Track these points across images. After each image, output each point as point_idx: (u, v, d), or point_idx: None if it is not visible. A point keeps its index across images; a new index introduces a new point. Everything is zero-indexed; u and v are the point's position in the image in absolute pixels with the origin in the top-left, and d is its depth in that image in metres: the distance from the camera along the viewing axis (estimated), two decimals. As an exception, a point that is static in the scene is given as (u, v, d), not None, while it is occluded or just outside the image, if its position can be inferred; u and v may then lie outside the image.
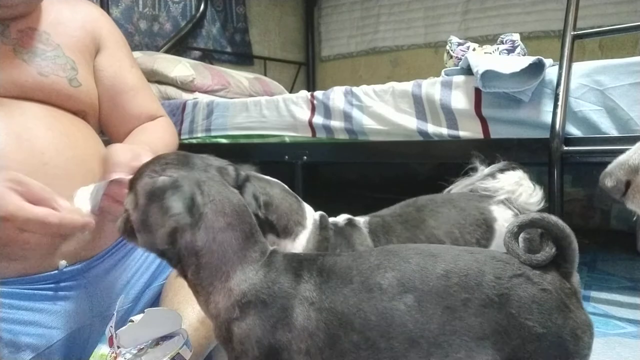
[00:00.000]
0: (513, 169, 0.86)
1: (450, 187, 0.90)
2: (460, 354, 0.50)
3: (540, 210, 0.81)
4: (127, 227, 0.58)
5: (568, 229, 0.51)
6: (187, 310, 0.83)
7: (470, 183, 0.87)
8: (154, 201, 0.54)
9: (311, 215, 0.76)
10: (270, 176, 0.78)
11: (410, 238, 0.77)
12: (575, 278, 0.53)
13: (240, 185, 0.61)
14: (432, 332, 0.50)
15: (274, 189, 0.73)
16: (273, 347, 0.53)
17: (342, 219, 0.80)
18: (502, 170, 0.85)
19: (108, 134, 1.04)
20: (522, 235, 0.54)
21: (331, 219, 0.80)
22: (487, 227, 0.79)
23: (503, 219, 0.80)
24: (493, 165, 0.87)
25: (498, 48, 1.56)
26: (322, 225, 0.74)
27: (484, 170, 0.88)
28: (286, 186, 0.76)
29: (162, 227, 0.53)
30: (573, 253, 0.52)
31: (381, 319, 0.51)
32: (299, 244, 0.72)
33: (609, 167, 0.58)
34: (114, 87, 0.97)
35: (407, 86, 1.43)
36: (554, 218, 0.51)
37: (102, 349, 0.69)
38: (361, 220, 0.80)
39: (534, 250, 0.52)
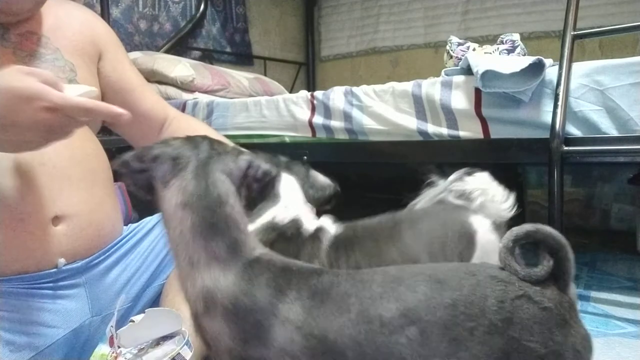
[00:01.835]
0: (479, 171, 0.82)
1: (415, 201, 0.86)
2: None
3: (517, 215, 0.78)
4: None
5: (564, 240, 0.50)
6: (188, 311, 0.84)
7: (437, 193, 0.83)
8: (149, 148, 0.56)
9: (271, 212, 0.70)
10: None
11: (378, 254, 0.73)
12: (572, 289, 0.51)
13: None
14: None
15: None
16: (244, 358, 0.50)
17: (315, 225, 0.74)
18: (468, 174, 0.82)
19: (122, 133, 1.07)
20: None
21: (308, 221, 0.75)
22: (468, 240, 0.74)
23: (483, 230, 0.75)
24: (457, 172, 0.83)
25: (498, 48, 1.56)
26: (279, 220, 0.69)
27: (447, 179, 0.84)
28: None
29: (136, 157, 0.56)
30: (569, 264, 0.50)
31: (378, 354, 0.48)
32: (260, 221, 0.67)
33: None
34: (122, 90, 1.00)
35: (407, 86, 1.43)
36: (548, 229, 0.50)
37: (103, 349, 0.69)
38: (331, 230, 0.76)
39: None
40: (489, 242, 0.73)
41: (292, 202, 0.72)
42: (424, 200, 0.85)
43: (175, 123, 1.06)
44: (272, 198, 0.69)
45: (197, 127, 1.05)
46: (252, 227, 0.66)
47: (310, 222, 0.73)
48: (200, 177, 0.55)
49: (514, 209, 0.79)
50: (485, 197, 0.77)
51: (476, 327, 0.47)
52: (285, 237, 0.70)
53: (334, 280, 0.53)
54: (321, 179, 0.78)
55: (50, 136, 0.66)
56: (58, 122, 0.63)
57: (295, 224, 0.70)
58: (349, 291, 0.51)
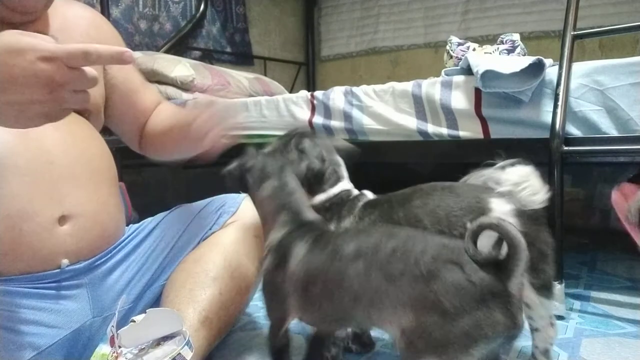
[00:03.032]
0: (524, 164, 0.87)
1: (466, 176, 0.94)
2: (389, 312, 0.62)
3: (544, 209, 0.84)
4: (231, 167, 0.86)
5: (517, 240, 0.57)
6: (188, 311, 0.84)
7: (483, 174, 0.90)
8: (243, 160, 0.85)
9: (341, 184, 0.97)
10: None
11: (389, 214, 0.87)
12: (515, 282, 0.58)
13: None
14: (372, 292, 0.63)
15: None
16: (274, 283, 0.75)
17: (355, 192, 0.96)
18: (512, 164, 0.87)
19: (120, 132, 1.08)
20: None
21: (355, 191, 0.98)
22: (478, 214, 0.80)
23: (500, 211, 0.81)
24: (506, 160, 0.89)
25: (498, 48, 1.56)
26: (338, 193, 0.95)
27: (501, 162, 0.90)
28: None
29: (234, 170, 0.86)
30: (516, 262, 0.57)
31: (336, 278, 0.66)
32: (316, 199, 0.94)
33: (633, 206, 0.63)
34: (128, 91, 1.03)
35: (407, 86, 1.43)
36: (509, 227, 0.58)
37: (104, 349, 0.69)
38: (369, 196, 0.96)
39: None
40: None
41: (345, 181, 0.99)
42: (471, 178, 0.92)
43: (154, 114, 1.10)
44: (334, 179, 0.96)
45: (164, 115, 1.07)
46: (325, 195, 0.94)
47: (354, 191, 0.97)
48: (278, 179, 0.82)
49: (545, 203, 0.84)
50: (518, 186, 0.83)
51: (406, 271, 0.60)
52: (341, 199, 0.94)
53: (329, 233, 0.77)
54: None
55: (55, 95, 0.61)
56: (59, 73, 0.59)
57: (347, 192, 0.96)
58: (332, 238, 0.72)
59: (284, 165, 0.85)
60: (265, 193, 0.82)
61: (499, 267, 0.58)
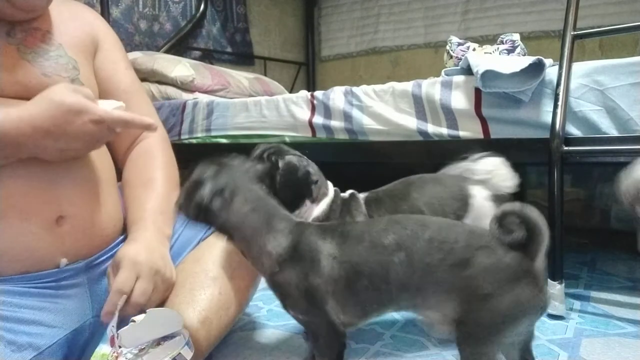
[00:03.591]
0: (495, 156, 1.03)
1: (444, 168, 1.08)
2: (434, 300, 0.66)
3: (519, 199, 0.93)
4: (185, 205, 0.75)
5: (540, 223, 0.62)
6: (188, 311, 0.84)
7: (460, 166, 1.05)
8: (195, 188, 0.73)
9: (331, 188, 0.99)
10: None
11: (395, 208, 0.95)
12: (539, 262, 0.63)
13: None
14: (416, 280, 0.66)
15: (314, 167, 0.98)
16: (308, 289, 0.71)
17: (347, 193, 0.99)
18: (485, 157, 1.04)
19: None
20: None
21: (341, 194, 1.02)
22: (464, 201, 0.95)
23: (480, 196, 0.96)
24: (481, 153, 1.05)
25: (498, 48, 1.56)
26: (335, 197, 0.97)
27: (473, 155, 1.06)
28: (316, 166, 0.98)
29: (192, 202, 0.73)
30: (540, 242, 0.62)
31: (382, 269, 0.68)
32: (320, 207, 0.95)
33: (624, 185, 0.70)
34: (107, 92, 0.97)
35: (407, 86, 1.43)
36: (530, 210, 0.62)
37: (104, 349, 0.69)
38: (361, 195, 1.00)
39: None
40: (483, 207, 0.95)
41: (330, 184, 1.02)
42: (449, 170, 1.06)
43: (137, 151, 1.00)
44: (324, 186, 0.98)
45: (152, 173, 0.97)
46: (326, 201, 0.96)
47: (343, 192, 1.01)
48: (248, 190, 0.75)
49: (515, 189, 1.00)
50: (490, 175, 0.98)
51: (444, 259, 0.64)
52: (342, 200, 0.99)
53: (353, 226, 0.76)
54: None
55: (90, 146, 0.79)
56: (101, 133, 0.76)
57: (338, 193, 0.99)
58: (364, 230, 0.73)
59: (241, 174, 0.76)
60: (243, 209, 0.73)
61: (522, 249, 0.63)
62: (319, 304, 0.71)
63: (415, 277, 0.66)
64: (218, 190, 0.71)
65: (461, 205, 0.95)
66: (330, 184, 1.00)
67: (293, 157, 0.96)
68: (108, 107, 0.78)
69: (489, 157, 1.02)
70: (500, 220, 0.64)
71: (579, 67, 1.20)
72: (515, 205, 0.64)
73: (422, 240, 0.66)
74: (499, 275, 0.62)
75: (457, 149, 1.24)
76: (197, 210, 0.72)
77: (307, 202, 0.95)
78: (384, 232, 0.70)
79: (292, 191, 0.92)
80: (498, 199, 0.96)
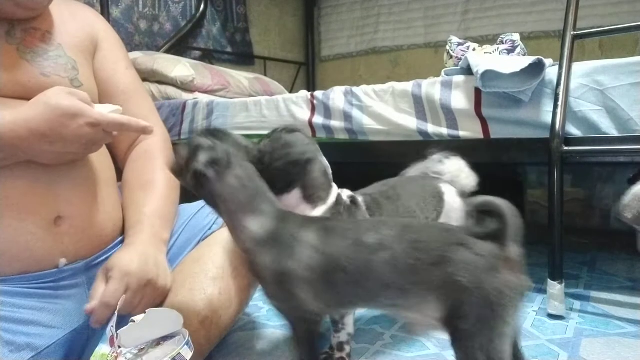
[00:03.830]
0: (457, 157, 1.10)
1: (405, 171, 1.14)
2: (416, 299, 0.66)
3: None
4: (177, 168, 0.76)
5: (507, 210, 0.63)
6: (188, 311, 0.84)
7: (424, 167, 1.11)
8: (193, 153, 0.73)
9: (335, 194, 0.93)
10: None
11: (393, 209, 0.97)
12: (513, 249, 0.63)
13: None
14: (399, 281, 0.66)
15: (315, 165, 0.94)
16: (282, 273, 0.71)
17: (346, 196, 0.96)
18: (447, 157, 1.10)
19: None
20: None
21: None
22: (439, 198, 1.03)
23: (449, 193, 1.04)
24: (440, 153, 1.11)
25: (498, 48, 1.56)
26: (337, 203, 0.93)
27: (433, 156, 1.12)
28: (329, 170, 0.95)
29: (189, 171, 0.73)
30: (509, 229, 0.63)
31: (363, 266, 0.68)
32: (316, 213, 0.91)
33: (626, 199, 0.69)
34: (106, 91, 0.97)
35: (407, 86, 1.43)
36: (497, 202, 0.64)
37: (103, 349, 0.69)
38: (359, 198, 0.98)
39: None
40: (454, 202, 1.04)
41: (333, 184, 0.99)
42: (411, 171, 1.13)
43: (137, 152, 1.00)
44: (327, 187, 0.93)
45: (149, 177, 0.97)
46: (330, 200, 0.92)
47: (344, 195, 0.98)
48: (240, 165, 0.76)
49: (476, 187, 1.08)
50: (453, 175, 1.08)
51: (424, 259, 0.65)
52: (343, 200, 0.96)
53: (339, 223, 0.76)
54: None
55: (87, 149, 0.79)
56: (97, 136, 0.76)
57: (340, 195, 0.96)
58: (349, 227, 0.73)
59: (234, 151, 0.77)
60: (234, 183, 0.73)
61: (496, 239, 0.64)
62: (291, 288, 0.71)
63: (398, 277, 0.67)
64: (215, 160, 0.72)
65: (438, 201, 1.03)
66: (334, 188, 0.94)
67: (299, 135, 0.91)
68: (104, 111, 0.77)
69: (452, 158, 1.10)
70: (472, 213, 0.67)
71: (579, 67, 1.20)
72: (484, 198, 0.66)
73: (406, 241, 0.68)
74: (478, 266, 0.63)
75: (457, 149, 1.24)
76: (191, 175, 0.73)
77: (302, 201, 0.89)
78: (369, 232, 0.70)
79: (284, 169, 0.87)
80: (463, 195, 1.05)
